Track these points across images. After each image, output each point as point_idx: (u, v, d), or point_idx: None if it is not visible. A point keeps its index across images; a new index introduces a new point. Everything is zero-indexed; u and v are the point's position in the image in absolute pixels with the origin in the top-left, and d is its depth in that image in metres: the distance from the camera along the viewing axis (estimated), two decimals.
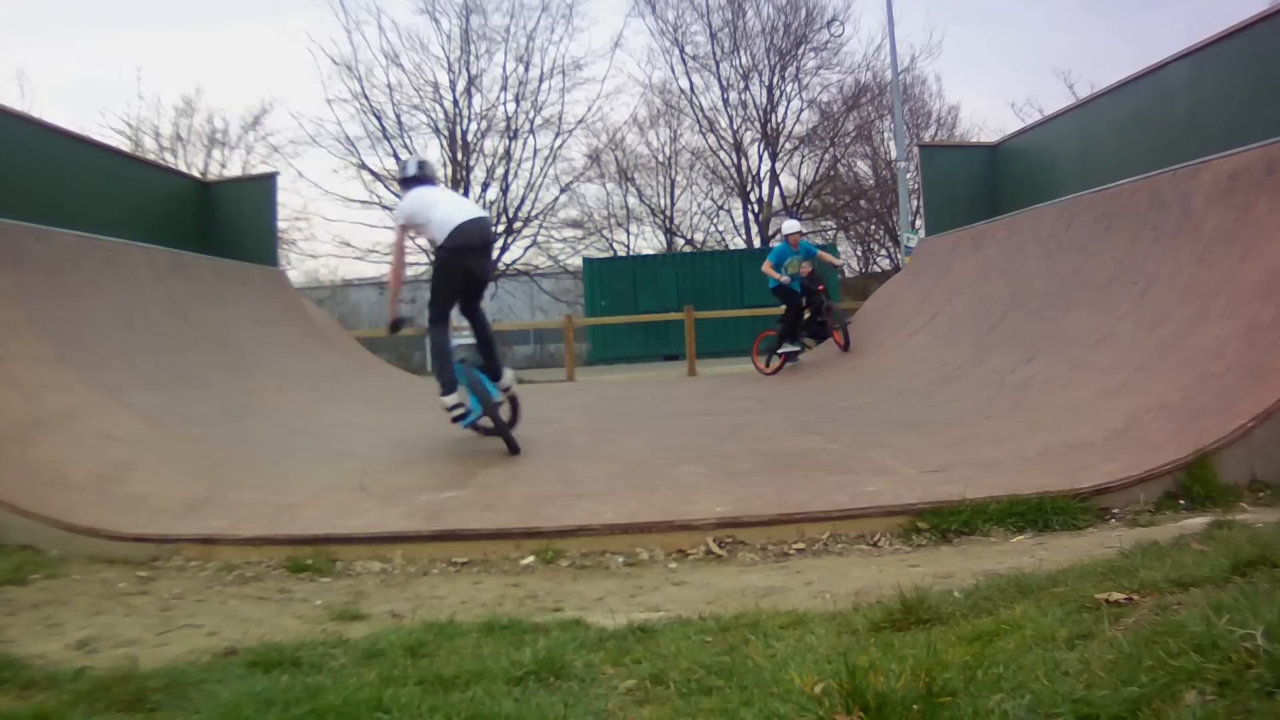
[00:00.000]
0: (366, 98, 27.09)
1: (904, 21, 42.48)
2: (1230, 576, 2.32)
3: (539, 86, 27.98)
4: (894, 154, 22.68)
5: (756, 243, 28.09)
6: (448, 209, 6.24)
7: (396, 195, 28.46)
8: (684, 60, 29.01)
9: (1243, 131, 6.92)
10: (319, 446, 6.94)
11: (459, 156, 27.97)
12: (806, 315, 12.19)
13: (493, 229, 6.23)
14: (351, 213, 36.71)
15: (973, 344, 8.64)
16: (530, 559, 4.02)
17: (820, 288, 12.35)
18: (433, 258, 6.47)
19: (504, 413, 6.44)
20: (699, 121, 29.18)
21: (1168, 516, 4.06)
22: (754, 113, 28.90)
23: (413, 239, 7.81)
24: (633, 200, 29.90)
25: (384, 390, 11.69)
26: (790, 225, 12.60)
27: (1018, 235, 9.87)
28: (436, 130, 27.93)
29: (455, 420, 6.38)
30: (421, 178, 6.59)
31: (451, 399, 6.30)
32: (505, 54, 28.08)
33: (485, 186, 28.41)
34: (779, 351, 12.20)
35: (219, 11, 44.73)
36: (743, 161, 29.23)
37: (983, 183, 13.35)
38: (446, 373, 6.32)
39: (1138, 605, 2.27)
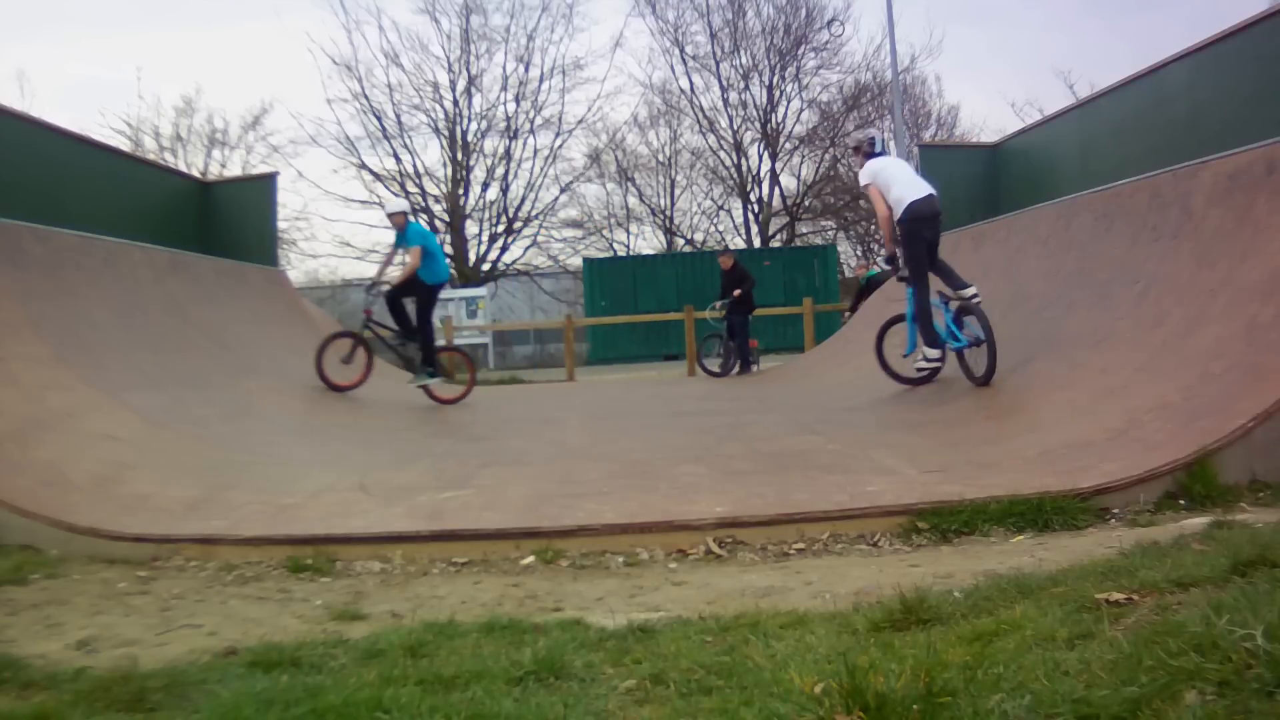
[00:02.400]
0: (366, 98, 27.18)
1: (904, 21, 42.46)
2: (1230, 576, 2.32)
3: (539, 86, 28.08)
4: (894, 154, 22.71)
5: (756, 242, 28.12)
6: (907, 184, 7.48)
7: (396, 195, 28.40)
8: (684, 60, 29.09)
9: (1243, 131, 6.92)
10: (319, 446, 6.94)
11: (459, 156, 28.00)
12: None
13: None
14: (351, 213, 36.86)
15: None
16: (530, 559, 4.02)
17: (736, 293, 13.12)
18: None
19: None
20: (699, 121, 29.25)
21: (1168, 516, 4.06)
22: (754, 113, 28.96)
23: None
24: (633, 200, 29.98)
25: (384, 390, 11.67)
26: None
27: (1018, 235, 9.87)
28: (436, 130, 28.01)
29: (925, 374, 7.64)
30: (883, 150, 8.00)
31: (935, 353, 7.52)
32: (505, 54, 28.19)
33: (485, 186, 28.48)
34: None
35: (219, 11, 44.85)
36: (743, 161, 29.28)
37: (983, 183, 13.34)
38: (930, 330, 7.53)
39: (1138, 605, 2.27)
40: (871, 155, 7.93)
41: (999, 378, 7.00)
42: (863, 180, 7.85)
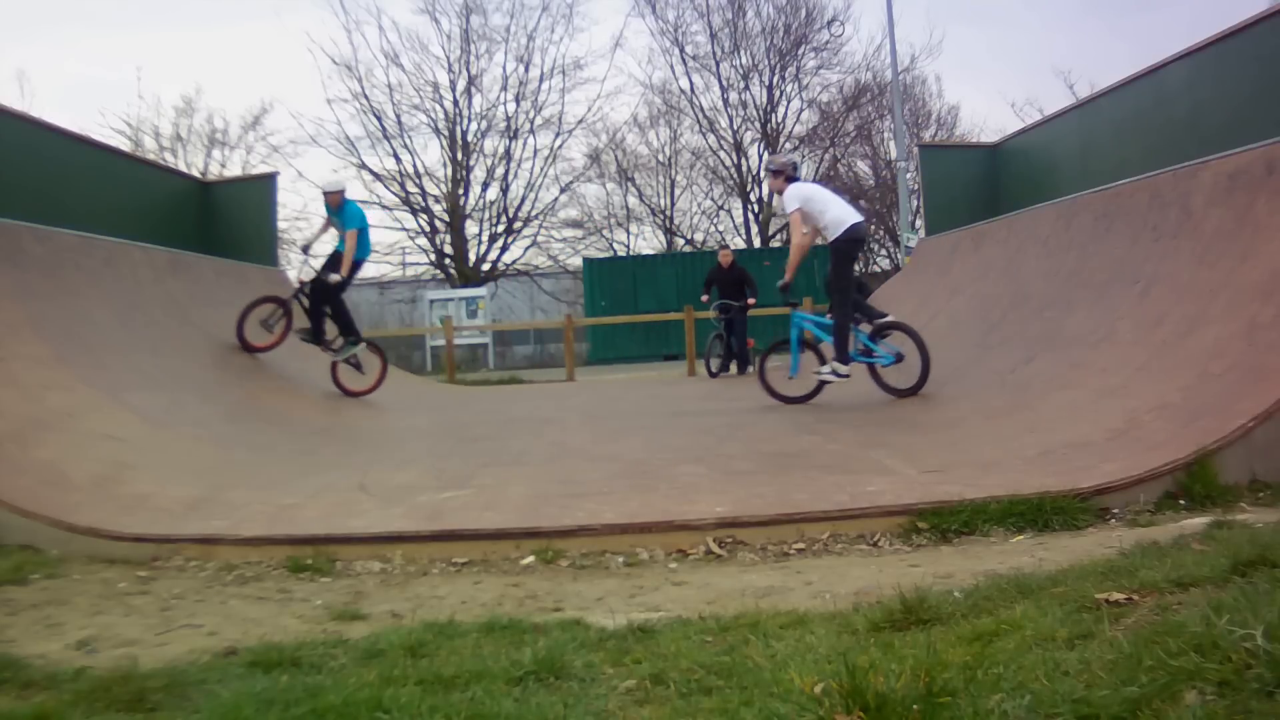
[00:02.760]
0: (366, 98, 27.17)
1: (904, 21, 42.50)
2: (1230, 576, 2.32)
3: (539, 86, 28.06)
4: (894, 154, 22.72)
5: (756, 242, 28.10)
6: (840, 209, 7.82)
7: (396, 195, 28.37)
8: (684, 60, 29.07)
9: (1243, 131, 6.92)
10: (319, 447, 6.94)
11: (459, 156, 27.99)
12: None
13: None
14: None
15: (973, 344, 8.64)
16: (530, 559, 4.02)
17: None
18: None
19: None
20: (699, 121, 29.23)
21: (1168, 516, 4.06)
22: (754, 113, 28.95)
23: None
24: (633, 200, 29.96)
25: (384, 390, 11.68)
26: None
27: (1018, 235, 9.87)
28: (436, 130, 28.00)
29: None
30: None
31: (846, 369, 7.80)
32: (505, 54, 28.19)
33: (485, 186, 28.47)
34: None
35: (219, 11, 44.84)
36: (743, 161, 29.26)
37: (983, 183, 13.35)
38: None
39: (1138, 605, 2.27)
40: (792, 180, 8.08)
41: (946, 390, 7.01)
42: (791, 205, 7.85)
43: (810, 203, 7.87)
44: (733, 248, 19.99)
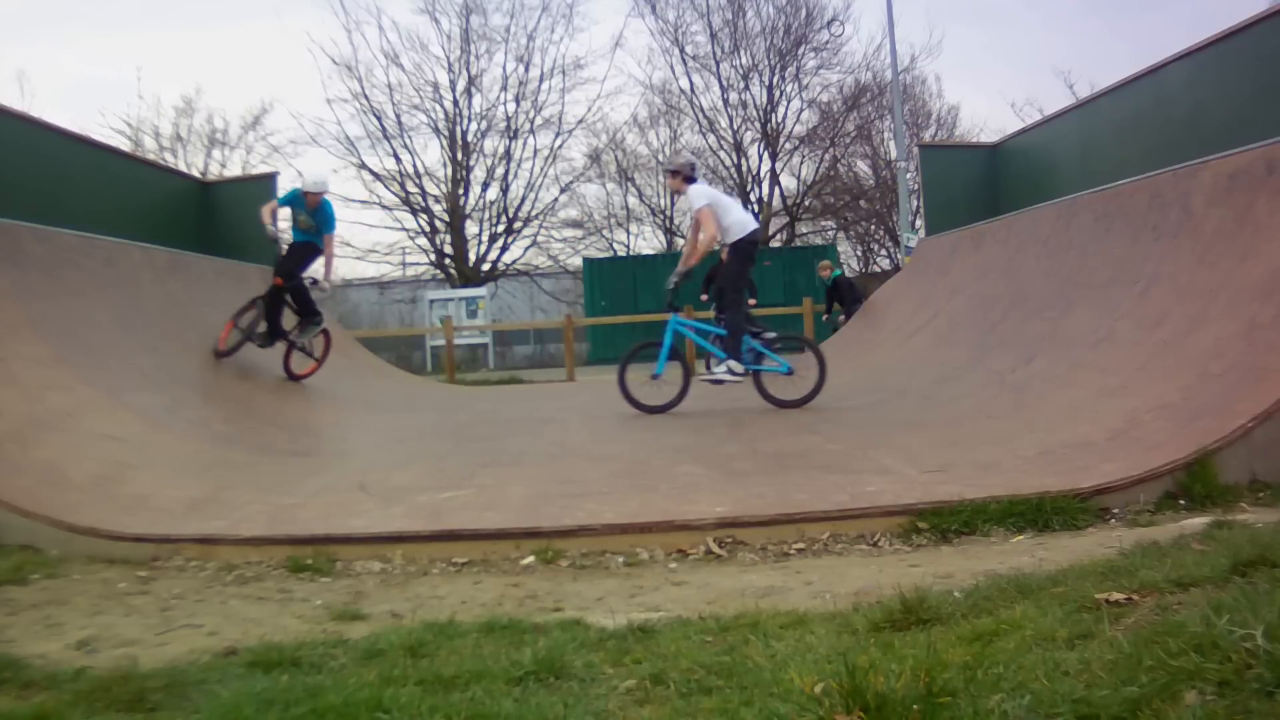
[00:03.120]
0: (366, 98, 27.16)
1: (904, 21, 42.50)
2: (1230, 576, 2.32)
3: (539, 86, 28.05)
4: (894, 154, 22.71)
5: None
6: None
7: (396, 195, 28.34)
8: (684, 60, 29.05)
9: (1243, 131, 6.92)
10: (319, 446, 6.94)
11: (459, 156, 27.99)
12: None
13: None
14: (351, 212, 36.58)
15: (973, 344, 8.64)
16: (530, 559, 4.02)
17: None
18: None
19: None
20: (699, 121, 29.22)
21: (1168, 516, 4.06)
22: (754, 113, 28.93)
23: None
24: (633, 200, 29.94)
25: (384, 390, 11.69)
26: None
27: (1018, 235, 9.86)
28: (436, 130, 28.00)
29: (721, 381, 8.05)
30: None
31: (741, 369, 7.94)
32: (505, 54, 28.17)
33: (485, 186, 28.47)
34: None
35: (219, 11, 44.84)
36: (743, 161, 29.25)
37: (983, 183, 13.36)
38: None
39: (1138, 605, 2.27)
40: (691, 180, 8.23)
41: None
42: (699, 202, 8.03)
43: (717, 202, 8.16)
44: None
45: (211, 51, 44.66)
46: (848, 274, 26.47)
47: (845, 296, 14.05)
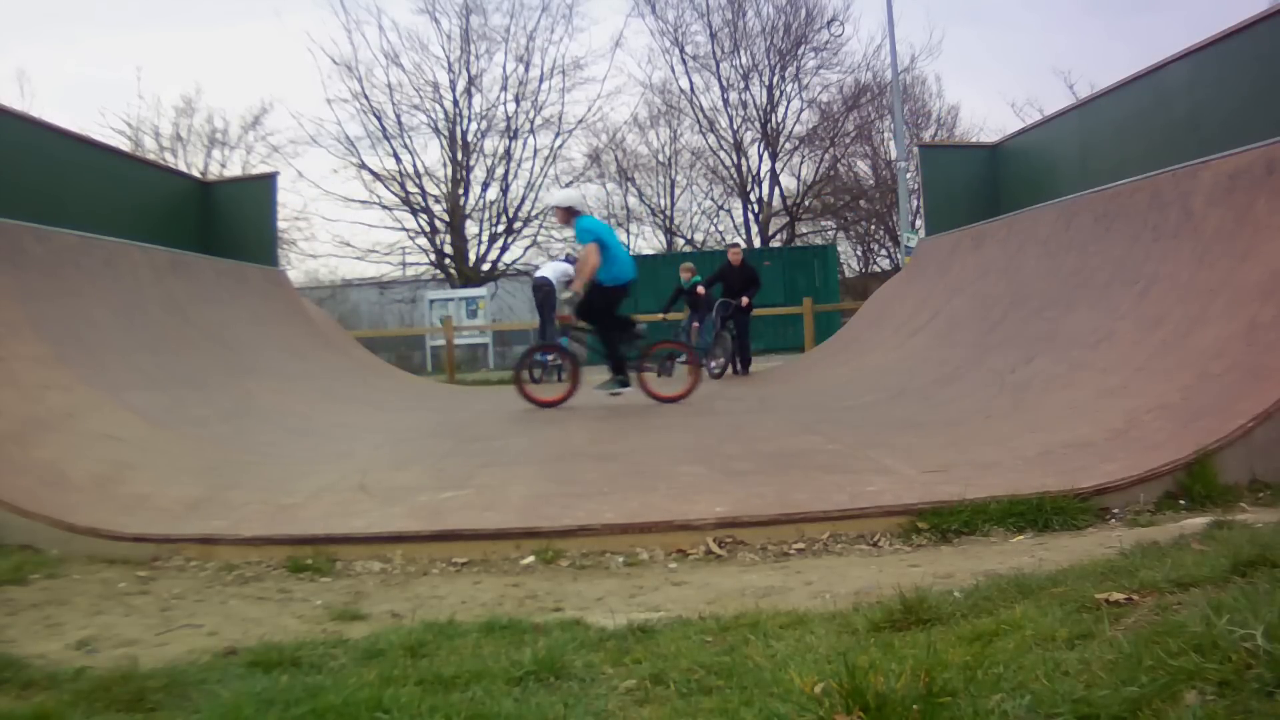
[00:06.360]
0: (366, 98, 27.13)
1: (904, 21, 42.44)
2: (1230, 576, 2.32)
3: (539, 86, 28.02)
4: (894, 154, 22.71)
5: (756, 242, 28.10)
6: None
7: (396, 195, 28.36)
8: (684, 60, 29.06)
9: (1243, 131, 6.91)
10: (319, 446, 6.94)
11: (459, 156, 27.99)
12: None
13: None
14: (351, 213, 36.58)
15: (973, 344, 8.64)
16: (530, 559, 4.02)
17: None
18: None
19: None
20: (699, 121, 29.22)
21: (1168, 516, 4.06)
22: (754, 113, 28.94)
23: None
24: (633, 200, 29.94)
25: (384, 390, 11.69)
26: None
27: (1018, 235, 9.87)
28: (436, 130, 27.98)
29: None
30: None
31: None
32: (505, 54, 28.13)
33: (485, 186, 28.46)
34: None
35: (219, 11, 44.74)
36: (743, 161, 29.26)
37: (983, 183, 13.35)
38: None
39: (1138, 605, 2.27)
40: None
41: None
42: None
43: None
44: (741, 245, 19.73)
45: (211, 51, 44.63)
46: (847, 274, 26.40)
47: (698, 303, 13.04)
